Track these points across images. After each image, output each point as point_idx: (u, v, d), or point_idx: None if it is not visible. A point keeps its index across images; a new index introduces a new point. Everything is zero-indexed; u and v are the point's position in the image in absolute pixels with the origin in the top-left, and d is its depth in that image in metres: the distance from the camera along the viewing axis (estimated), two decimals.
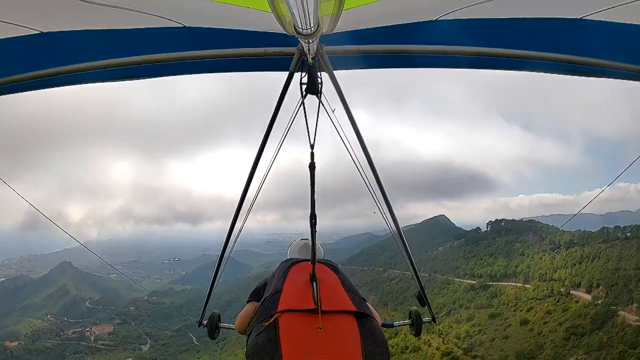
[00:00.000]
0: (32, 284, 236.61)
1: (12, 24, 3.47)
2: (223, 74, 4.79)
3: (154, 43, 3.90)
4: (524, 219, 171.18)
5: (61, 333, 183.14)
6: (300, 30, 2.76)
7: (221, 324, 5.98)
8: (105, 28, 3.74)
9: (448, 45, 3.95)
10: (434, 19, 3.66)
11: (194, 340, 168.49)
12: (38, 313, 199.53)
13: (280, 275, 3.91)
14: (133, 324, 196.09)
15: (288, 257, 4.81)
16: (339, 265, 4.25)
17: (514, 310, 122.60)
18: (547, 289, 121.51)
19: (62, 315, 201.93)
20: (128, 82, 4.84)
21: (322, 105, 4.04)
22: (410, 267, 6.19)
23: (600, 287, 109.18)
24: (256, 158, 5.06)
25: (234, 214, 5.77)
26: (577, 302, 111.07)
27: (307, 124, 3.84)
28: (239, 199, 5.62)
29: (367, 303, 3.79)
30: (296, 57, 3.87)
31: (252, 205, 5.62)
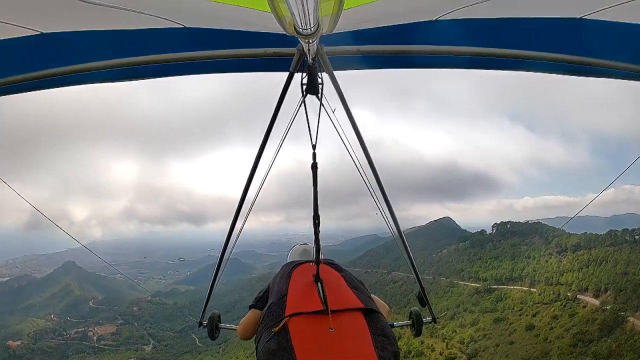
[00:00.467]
0: (36, 283, 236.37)
1: (12, 24, 3.45)
2: (225, 74, 4.71)
3: (153, 44, 3.89)
4: (529, 221, 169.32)
5: (64, 333, 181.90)
6: (300, 30, 2.79)
7: (221, 325, 5.90)
8: (105, 29, 3.71)
9: (448, 45, 3.93)
10: (434, 19, 3.64)
11: (197, 342, 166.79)
12: (41, 312, 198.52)
13: (283, 279, 3.88)
14: (136, 324, 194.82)
15: (288, 261, 4.71)
16: (341, 264, 4.20)
17: (520, 315, 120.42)
18: (553, 293, 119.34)
19: (65, 315, 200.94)
20: (130, 82, 4.77)
21: (322, 105, 4.00)
22: (411, 268, 6.12)
23: (608, 292, 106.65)
24: (256, 159, 4.98)
25: (233, 214, 5.65)
26: (584, 307, 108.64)
27: (308, 125, 3.83)
28: (236, 202, 5.53)
29: (372, 296, 3.87)
30: (296, 57, 3.87)
31: (252, 206, 5.50)
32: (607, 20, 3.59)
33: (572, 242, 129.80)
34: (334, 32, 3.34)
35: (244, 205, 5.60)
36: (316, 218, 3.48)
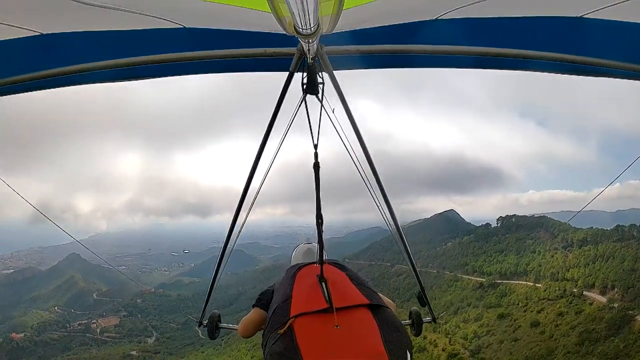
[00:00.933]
0: (40, 275, 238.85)
1: (11, 25, 3.50)
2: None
3: (153, 44, 3.90)
4: (535, 215, 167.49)
5: (67, 325, 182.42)
6: (300, 30, 2.81)
7: (221, 324, 5.89)
8: (104, 29, 3.75)
9: (448, 45, 3.96)
10: (434, 18, 3.68)
11: (200, 334, 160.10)
12: (45, 305, 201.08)
13: (288, 282, 3.83)
14: (139, 316, 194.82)
15: (292, 263, 4.76)
16: (345, 264, 4.16)
17: (524, 311, 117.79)
18: (559, 289, 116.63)
19: (69, 307, 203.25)
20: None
21: (322, 105, 4.04)
22: (410, 267, 6.21)
23: (616, 289, 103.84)
24: (256, 158, 5.00)
25: (234, 214, 5.69)
26: (590, 304, 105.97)
27: (309, 125, 3.86)
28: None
29: (379, 294, 3.78)
30: (296, 57, 3.89)
31: (252, 205, 5.53)
32: (608, 19, 3.57)
33: (579, 237, 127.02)
34: (334, 32, 3.35)
35: (244, 205, 5.51)
36: (319, 218, 3.44)
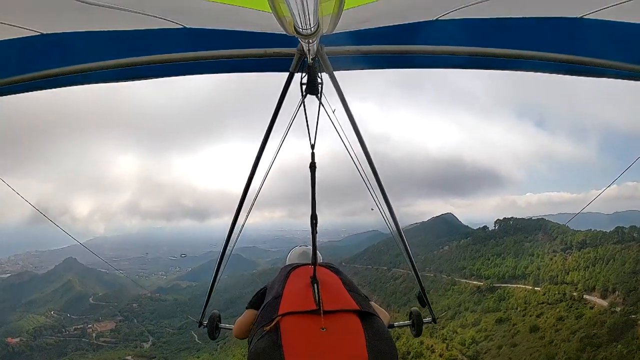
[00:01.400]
0: (37, 279, 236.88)
1: (11, 25, 3.46)
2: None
3: (153, 44, 3.90)
4: (533, 218, 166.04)
5: (63, 329, 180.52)
6: (300, 30, 2.80)
7: (221, 325, 5.88)
8: (104, 29, 3.72)
9: (448, 45, 3.94)
10: (434, 19, 3.64)
11: (196, 338, 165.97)
12: (42, 309, 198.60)
13: (280, 281, 3.81)
14: (135, 321, 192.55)
15: (287, 264, 4.67)
16: (339, 268, 4.11)
17: (523, 316, 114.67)
18: (558, 293, 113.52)
19: (65, 312, 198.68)
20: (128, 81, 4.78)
21: (322, 105, 4.05)
22: (411, 267, 6.18)
23: (617, 292, 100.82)
24: (256, 159, 4.99)
25: (233, 215, 5.69)
26: (591, 308, 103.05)
27: (307, 125, 3.88)
28: (239, 199, 5.66)
29: (370, 302, 3.78)
30: (296, 57, 3.89)
31: (252, 207, 5.52)
32: (608, 19, 3.54)
33: (578, 239, 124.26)
34: (334, 32, 3.29)
35: (244, 206, 5.51)
36: (313, 218, 3.47)
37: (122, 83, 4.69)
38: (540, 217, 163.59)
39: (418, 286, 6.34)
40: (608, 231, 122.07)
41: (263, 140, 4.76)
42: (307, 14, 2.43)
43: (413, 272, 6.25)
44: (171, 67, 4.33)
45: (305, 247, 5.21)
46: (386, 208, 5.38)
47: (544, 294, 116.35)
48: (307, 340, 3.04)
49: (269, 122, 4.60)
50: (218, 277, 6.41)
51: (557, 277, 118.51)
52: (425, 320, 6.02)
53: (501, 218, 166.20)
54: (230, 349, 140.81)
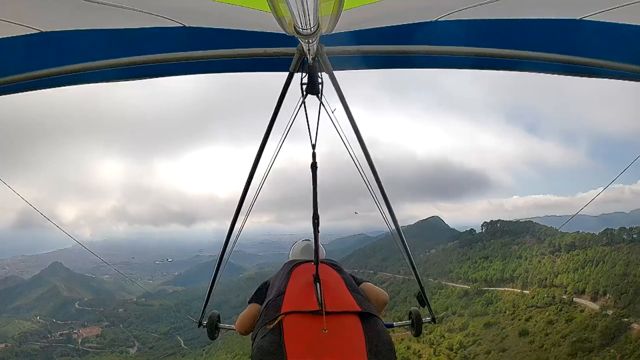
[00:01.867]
0: (23, 284, 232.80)
1: (12, 23, 3.39)
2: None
3: (153, 43, 3.85)
4: (520, 220, 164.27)
5: (49, 335, 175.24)
6: (300, 30, 2.78)
7: (221, 325, 5.89)
8: (105, 28, 3.66)
9: (448, 46, 3.91)
10: (434, 19, 3.58)
11: (182, 344, 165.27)
12: (28, 314, 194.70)
13: (283, 277, 3.88)
14: (121, 326, 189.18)
15: (290, 259, 4.80)
16: (342, 265, 4.23)
17: (512, 319, 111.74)
18: (547, 296, 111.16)
19: (51, 317, 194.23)
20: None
21: (323, 105, 4.00)
22: (410, 267, 6.09)
23: (608, 295, 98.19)
24: (256, 159, 4.96)
25: (234, 214, 5.63)
26: (582, 311, 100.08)
27: (308, 125, 3.84)
28: (234, 200, 5.62)
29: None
30: (296, 57, 3.83)
31: (252, 206, 5.50)
32: (608, 21, 3.47)
33: (566, 241, 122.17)
34: (334, 32, 3.30)
35: (244, 206, 5.48)
36: (315, 218, 3.42)
37: (107, 84, 4.61)
38: (527, 220, 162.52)
39: (417, 286, 6.17)
40: (597, 233, 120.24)
41: (263, 140, 4.68)
42: (307, 14, 2.40)
43: (413, 272, 6.09)
44: (171, 66, 4.24)
45: (308, 241, 5.04)
46: (386, 208, 5.24)
47: (533, 297, 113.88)
48: (309, 341, 3.03)
49: (268, 122, 4.51)
50: (218, 276, 6.28)
51: (546, 280, 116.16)
52: (424, 320, 5.88)
53: (488, 221, 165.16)
54: (217, 353, 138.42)
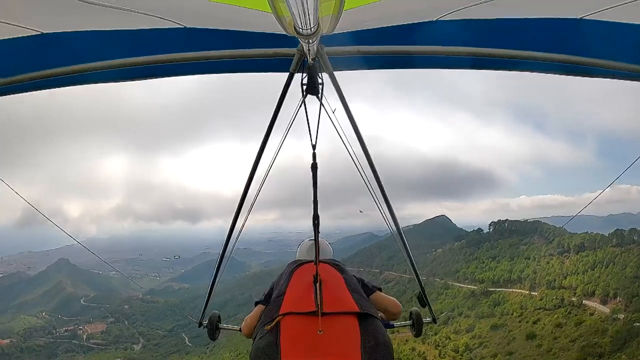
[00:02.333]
0: (29, 280, 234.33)
1: (12, 24, 3.42)
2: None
3: (153, 44, 3.88)
4: (528, 220, 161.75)
5: (54, 331, 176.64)
6: (300, 30, 2.78)
7: (221, 325, 5.86)
8: (105, 29, 3.68)
9: (448, 46, 3.92)
10: (434, 19, 3.60)
11: (186, 341, 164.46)
12: (33, 310, 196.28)
13: (285, 278, 3.93)
14: (126, 322, 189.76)
15: (296, 258, 4.77)
16: (345, 265, 4.22)
17: (519, 322, 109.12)
18: (556, 298, 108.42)
19: (56, 313, 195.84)
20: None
21: (323, 105, 3.99)
22: (411, 268, 6.12)
23: (618, 298, 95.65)
24: (256, 159, 4.96)
25: (234, 213, 5.59)
26: (591, 314, 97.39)
27: (308, 125, 3.82)
28: (239, 198, 5.49)
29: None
30: (296, 57, 3.86)
31: (252, 206, 5.44)
32: (608, 20, 3.50)
33: (575, 242, 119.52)
34: (334, 32, 3.30)
35: (244, 205, 5.45)
36: (316, 218, 3.42)
37: (112, 84, 4.62)
38: (536, 220, 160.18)
39: (418, 286, 6.18)
40: (607, 234, 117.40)
41: (263, 140, 4.69)
42: (307, 14, 2.39)
43: (413, 273, 6.12)
44: (171, 67, 4.28)
45: (313, 241, 4.45)
46: (386, 208, 5.22)
47: (541, 299, 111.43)
48: (304, 341, 3.10)
49: (269, 122, 4.53)
50: (218, 277, 6.26)
51: (555, 281, 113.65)
52: (425, 320, 5.85)
53: (495, 220, 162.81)
54: (220, 352, 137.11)
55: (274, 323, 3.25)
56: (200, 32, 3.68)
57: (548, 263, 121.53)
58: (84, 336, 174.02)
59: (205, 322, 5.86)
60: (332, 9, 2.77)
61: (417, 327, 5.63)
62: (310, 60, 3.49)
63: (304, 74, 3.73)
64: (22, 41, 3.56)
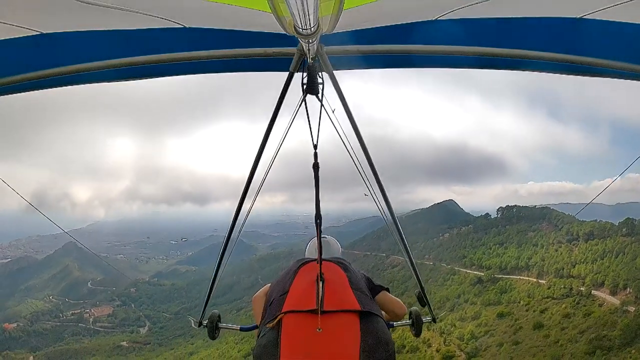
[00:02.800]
0: (36, 264, 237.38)
1: (12, 25, 3.46)
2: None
3: (153, 44, 3.88)
4: (537, 206, 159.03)
5: (60, 314, 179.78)
6: (300, 30, 2.81)
7: (221, 324, 5.90)
8: (105, 29, 3.71)
9: (448, 45, 3.91)
10: (434, 18, 3.63)
11: (192, 324, 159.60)
12: (40, 294, 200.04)
13: (289, 275, 3.94)
14: (133, 305, 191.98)
15: (305, 256, 4.89)
16: (350, 264, 4.22)
17: (526, 310, 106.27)
18: (564, 287, 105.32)
19: (63, 297, 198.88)
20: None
21: (322, 105, 4.00)
22: (410, 266, 6.01)
23: (628, 289, 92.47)
24: (256, 159, 4.94)
25: (239, 200, 5.52)
26: (600, 305, 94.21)
27: (309, 125, 3.83)
28: (239, 197, 5.47)
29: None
30: (296, 57, 3.86)
31: (251, 207, 5.49)
32: (608, 19, 3.53)
33: (584, 230, 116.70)
34: (334, 32, 3.34)
35: (244, 205, 5.44)
36: (318, 218, 3.48)
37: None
38: (544, 206, 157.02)
39: (418, 286, 6.05)
40: (616, 223, 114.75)
41: (263, 140, 4.70)
42: (307, 13, 2.42)
43: (412, 272, 5.97)
44: (171, 67, 4.31)
45: (323, 238, 4.69)
46: (387, 209, 5.19)
47: (549, 288, 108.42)
48: (303, 340, 3.12)
49: (268, 122, 4.55)
50: (218, 276, 6.22)
51: (563, 269, 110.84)
52: (425, 319, 5.75)
53: (504, 206, 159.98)
54: (224, 337, 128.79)
55: (275, 321, 3.28)
56: (200, 31, 3.69)
57: (557, 251, 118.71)
58: (91, 319, 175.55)
59: (205, 322, 5.77)
60: (332, 8, 2.78)
61: (416, 326, 5.47)
62: (310, 60, 3.47)
63: (304, 74, 3.67)
64: (22, 41, 3.56)
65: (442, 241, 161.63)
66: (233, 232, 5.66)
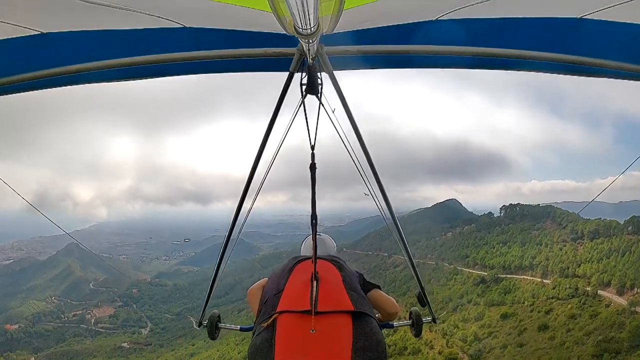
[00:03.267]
0: (38, 265, 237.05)
1: (12, 24, 3.51)
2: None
3: (153, 43, 3.92)
4: (540, 205, 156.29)
5: (62, 315, 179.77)
6: (300, 30, 2.83)
7: (221, 325, 5.93)
8: (105, 29, 3.78)
9: (448, 45, 3.96)
10: (434, 19, 3.70)
11: (194, 324, 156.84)
12: (42, 295, 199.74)
13: (284, 274, 3.98)
14: (134, 306, 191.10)
15: (301, 253, 4.99)
16: (345, 262, 4.28)
17: (531, 311, 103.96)
18: (570, 287, 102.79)
19: (65, 297, 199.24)
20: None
21: (322, 105, 4.10)
22: (410, 267, 6.09)
23: (636, 289, 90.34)
24: (256, 159, 4.98)
25: (233, 216, 5.63)
26: (607, 306, 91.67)
27: (307, 125, 3.91)
28: (239, 196, 5.51)
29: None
30: (296, 57, 3.90)
31: (251, 207, 5.53)
32: (608, 20, 3.59)
33: (589, 228, 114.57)
34: (334, 32, 3.41)
35: (243, 205, 5.48)
36: (314, 218, 3.52)
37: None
38: (548, 205, 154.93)
39: (418, 286, 6.13)
40: (621, 221, 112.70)
41: (263, 140, 4.71)
42: (307, 14, 2.44)
43: (412, 271, 6.01)
44: (171, 66, 4.32)
45: (319, 236, 4.85)
46: (387, 209, 5.22)
47: (554, 288, 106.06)
48: (296, 340, 3.17)
49: (268, 121, 4.56)
50: (218, 277, 6.22)
51: (568, 269, 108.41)
52: (425, 320, 5.83)
53: (507, 204, 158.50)
54: (225, 337, 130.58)
55: (270, 320, 3.31)
56: (200, 31, 3.72)
57: (561, 250, 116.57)
58: (92, 320, 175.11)
59: (205, 322, 5.76)
60: (332, 8, 2.81)
61: (416, 327, 5.53)
62: (310, 60, 3.50)
63: (304, 74, 3.71)
64: (23, 41, 3.59)
65: (445, 240, 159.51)
66: (233, 232, 5.57)
